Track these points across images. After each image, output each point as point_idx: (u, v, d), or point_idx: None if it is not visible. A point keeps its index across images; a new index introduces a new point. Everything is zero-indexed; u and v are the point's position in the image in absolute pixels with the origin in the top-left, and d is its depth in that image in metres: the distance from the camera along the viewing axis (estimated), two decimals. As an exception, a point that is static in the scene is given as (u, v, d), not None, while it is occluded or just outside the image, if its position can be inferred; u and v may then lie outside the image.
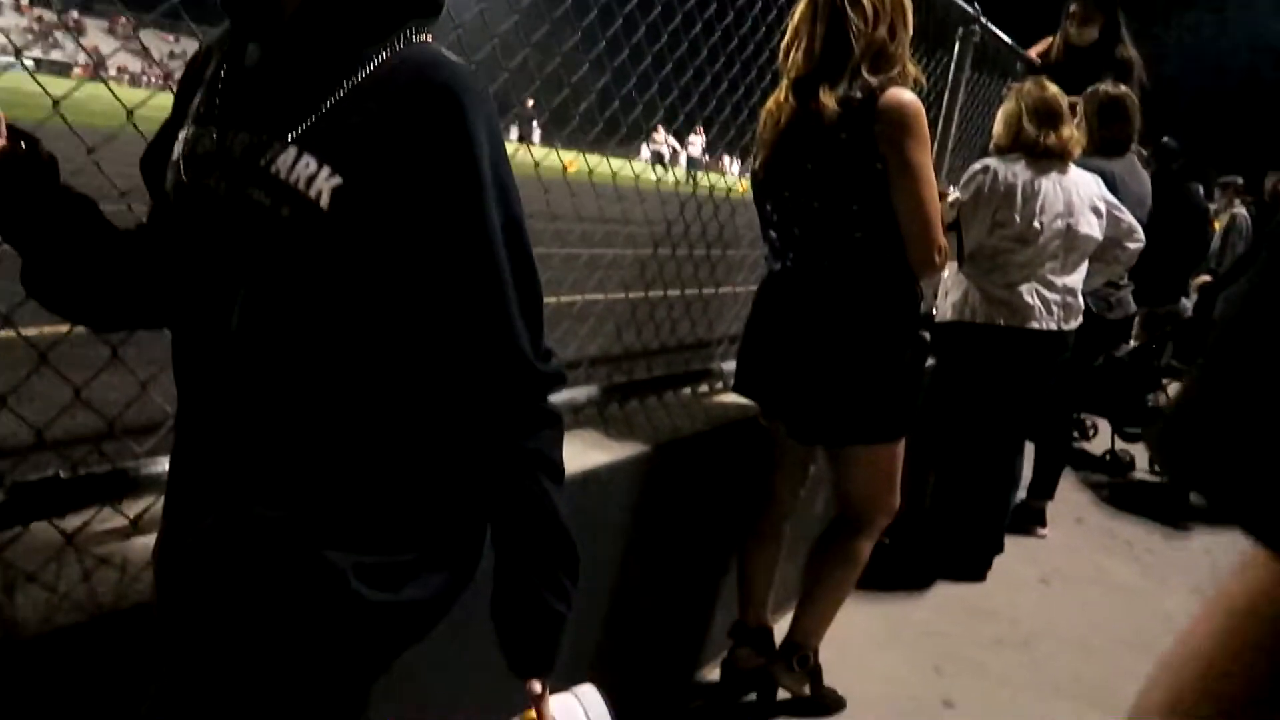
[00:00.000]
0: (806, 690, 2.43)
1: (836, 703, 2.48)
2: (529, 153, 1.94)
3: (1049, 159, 3.04)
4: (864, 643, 2.85)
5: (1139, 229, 3.31)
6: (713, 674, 2.56)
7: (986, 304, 3.10)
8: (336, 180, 0.93)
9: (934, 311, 3.34)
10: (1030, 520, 3.96)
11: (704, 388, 2.70)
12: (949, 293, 3.24)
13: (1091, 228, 3.11)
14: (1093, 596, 3.43)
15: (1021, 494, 3.88)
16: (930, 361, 3.15)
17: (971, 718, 2.54)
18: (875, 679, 2.65)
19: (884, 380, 2.16)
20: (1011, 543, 3.56)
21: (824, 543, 2.39)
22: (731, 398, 2.58)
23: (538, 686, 1.10)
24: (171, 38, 35.57)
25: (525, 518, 1.05)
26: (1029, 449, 3.78)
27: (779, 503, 2.45)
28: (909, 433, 2.28)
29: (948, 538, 3.42)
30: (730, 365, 2.60)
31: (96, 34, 35.13)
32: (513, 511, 1.05)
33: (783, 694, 2.46)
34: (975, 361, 3.17)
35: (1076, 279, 3.14)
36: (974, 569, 3.42)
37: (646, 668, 2.38)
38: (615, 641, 2.18)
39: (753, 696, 2.47)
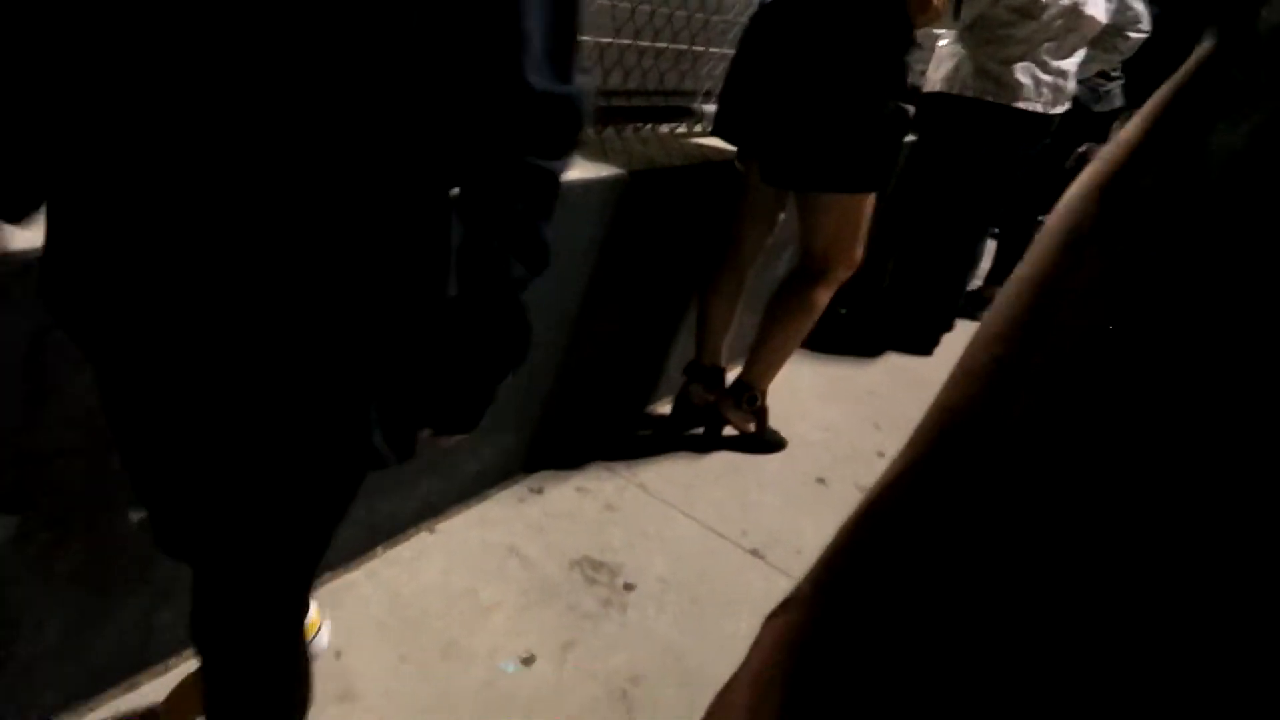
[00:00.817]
0: (751, 427, 2.57)
1: (778, 443, 2.62)
2: None
3: (1066, -73, 2.90)
4: (810, 396, 2.98)
5: (1146, 19, 3.21)
6: (664, 408, 2.68)
7: (977, 78, 3.04)
8: None
9: (920, 86, 3.28)
10: (981, 306, 4.06)
11: (683, 129, 2.66)
12: (941, 64, 3.17)
13: (1098, 10, 3.01)
14: (1030, 380, 3.59)
15: (978, 282, 3.97)
16: (910, 138, 3.12)
17: (901, 466, 2.71)
18: (817, 427, 2.80)
19: (862, 127, 2.15)
20: (961, 325, 3.67)
21: (784, 289, 2.45)
22: (710, 141, 2.56)
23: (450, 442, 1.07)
24: None
25: (483, 300, 0.95)
26: (990, 240, 3.83)
27: (743, 249, 2.48)
28: (879, 189, 2.29)
29: (901, 312, 3.52)
30: (711, 108, 2.55)
31: None
32: (473, 285, 0.94)
33: (729, 430, 2.60)
34: (956, 135, 3.15)
35: (1072, 63, 3.08)
36: (923, 344, 3.53)
37: (602, 397, 2.48)
38: (573, 367, 2.26)
39: (700, 430, 2.60)
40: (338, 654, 1.65)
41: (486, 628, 1.79)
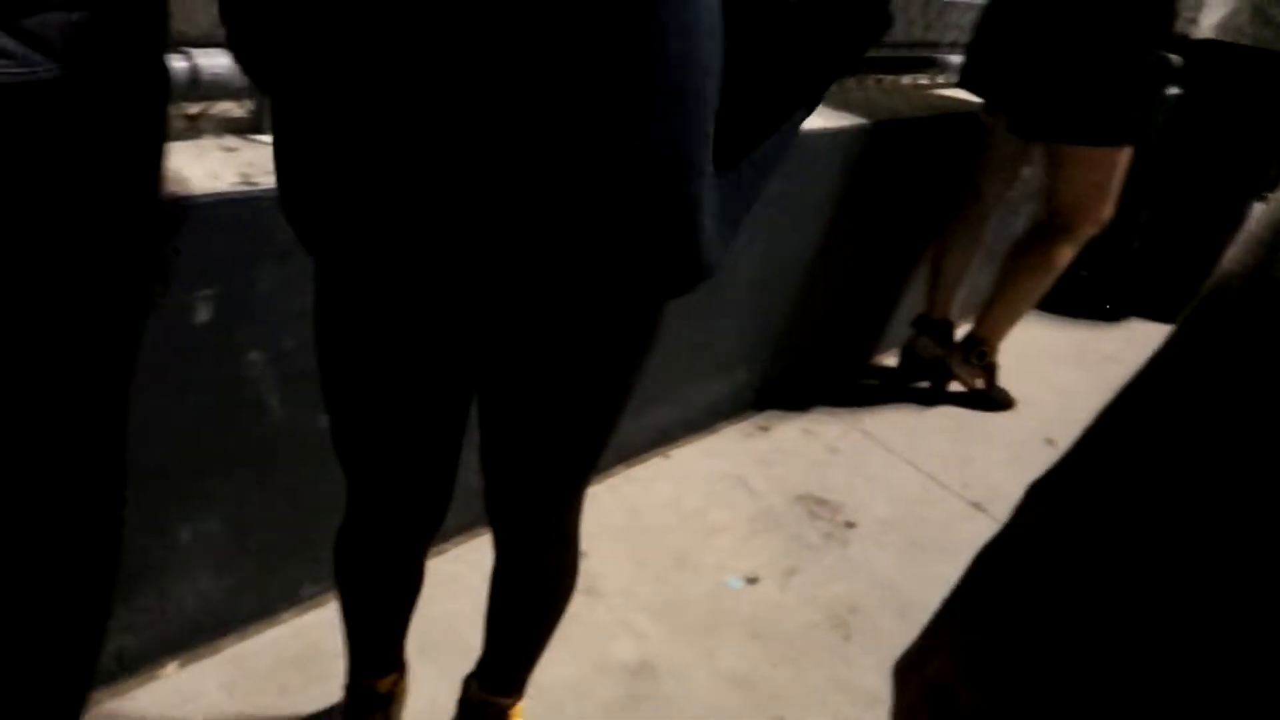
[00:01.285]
0: (980, 383, 2.55)
1: (1006, 401, 2.59)
2: None
3: None
4: (1043, 358, 2.91)
5: None
6: (890, 360, 2.71)
7: (1256, 24, 2.81)
8: None
9: (1189, 33, 3.06)
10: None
11: (925, 80, 2.65)
12: (1213, 8, 2.95)
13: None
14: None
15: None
16: (1174, 90, 2.94)
17: (1140, 433, 2.61)
18: (1048, 389, 2.73)
19: (1121, 76, 2.08)
20: (1219, 293, 3.43)
21: (1024, 244, 2.41)
22: (953, 93, 2.53)
23: None
24: None
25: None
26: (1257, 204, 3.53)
27: (983, 202, 2.45)
28: (1136, 143, 2.20)
29: (1151, 276, 3.33)
30: (956, 59, 2.53)
31: None
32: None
33: (955, 386, 2.59)
34: (1229, 88, 2.93)
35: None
36: (1171, 311, 3.33)
37: (830, 344, 2.54)
38: (804, 313, 2.34)
39: (925, 384, 2.62)
40: (582, 554, 1.83)
41: (714, 546, 1.92)
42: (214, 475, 1.38)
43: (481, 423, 1.09)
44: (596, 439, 1.08)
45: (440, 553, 1.74)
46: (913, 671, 0.54)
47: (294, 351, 1.07)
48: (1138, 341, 3.16)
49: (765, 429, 2.34)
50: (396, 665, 1.37)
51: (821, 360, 2.54)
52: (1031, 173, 2.48)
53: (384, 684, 1.34)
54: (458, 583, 1.68)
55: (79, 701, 1.12)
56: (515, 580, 1.25)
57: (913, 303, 2.67)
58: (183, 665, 1.47)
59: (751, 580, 1.86)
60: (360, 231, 0.87)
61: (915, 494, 2.21)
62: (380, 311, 0.97)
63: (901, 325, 2.69)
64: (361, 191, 0.84)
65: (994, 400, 2.58)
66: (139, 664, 1.43)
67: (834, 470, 2.23)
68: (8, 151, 0.77)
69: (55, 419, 0.92)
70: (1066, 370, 2.89)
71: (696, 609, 1.76)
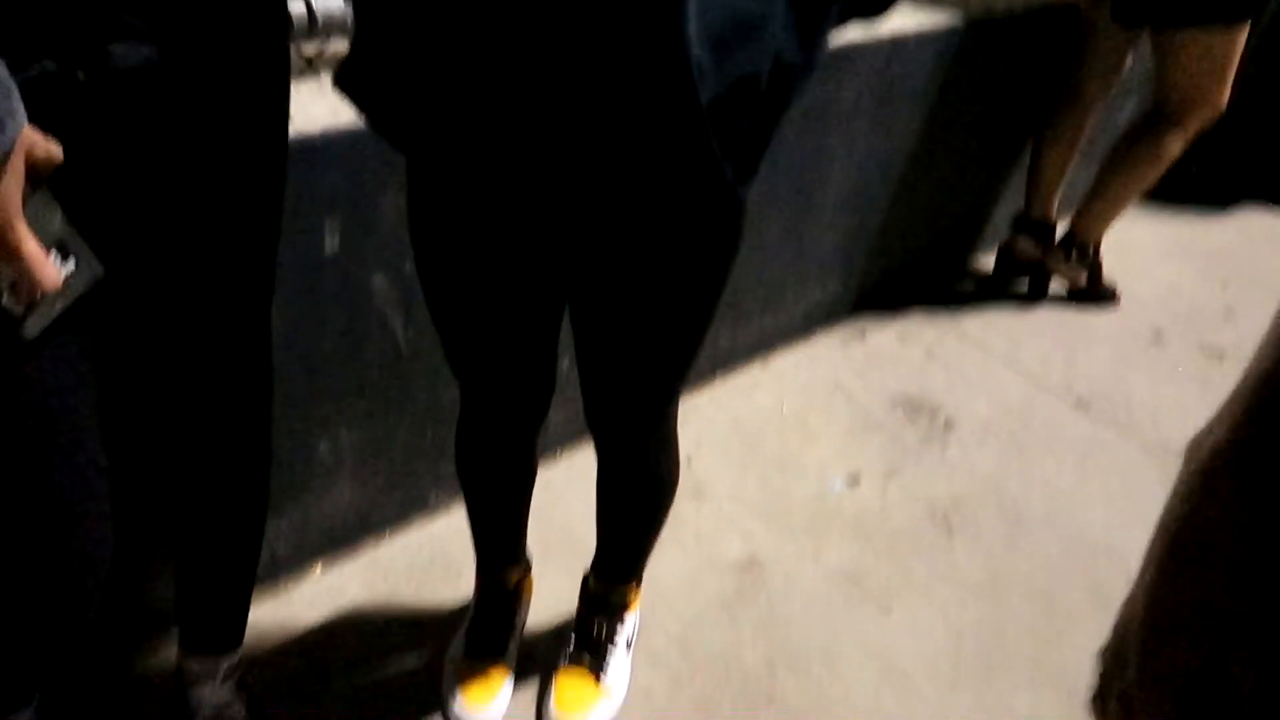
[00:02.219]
0: (1083, 280, 2.51)
1: (1111, 294, 2.54)
2: None
3: None
4: (1148, 253, 2.83)
5: None
6: (987, 262, 2.68)
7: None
8: None
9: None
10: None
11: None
12: None
13: None
14: None
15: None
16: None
17: (1252, 324, 2.54)
18: (1155, 284, 2.67)
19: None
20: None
21: (1131, 134, 2.34)
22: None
23: None
24: None
25: None
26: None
27: (1084, 97, 2.38)
28: (1252, 19, 2.09)
29: (1263, 154, 3.17)
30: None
31: None
32: None
33: (1055, 288, 2.56)
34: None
35: None
36: (1289, 198, 3.19)
37: (926, 247, 2.53)
38: (899, 217, 2.33)
39: (1024, 286, 2.58)
40: (688, 459, 1.90)
41: (815, 450, 1.97)
42: (347, 394, 1.49)
43: (575, 333, 1.14)
44: (687, 342, 1.12)
45: (552, 462, 1.84)
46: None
47: (414, 275, 1.14)
48: (1251, 232, 3.04)
49: (860, 335, 2.36)
50: (521, 560, 1.48)
51: (917, 265, 2.53)
52: (1134, 66, 2.38)
53: (511, 578, 1.46)
54: (570, 490, 1.77)
55: (245, 599, 1.24)
56: (619, 482, 1.33)
57: (1010, 203, 2.62)
58: (326, 568, 1.61)
59: (853, 482, 1.91)
60: (442, 123, 0.92)
61: (1015, 396, 2.21)
62: (464, 208, 1.02)
63: (999, 226, 2.65)
64: (445, 83, 0.89)
65: (1099, 294, 2.53)
66: (290, 567, 1.57)
67: (931, 374, 2.25)
68: (157, 117, 0.85)
69: (216, 338, 1.02)
70: (1173, 264, 2.81)
71: (801, 510, 1.83)
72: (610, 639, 1.44)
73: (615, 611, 1.46)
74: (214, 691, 1.20)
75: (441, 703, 1.40)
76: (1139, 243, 2.86)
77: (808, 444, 1.99)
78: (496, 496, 1.38)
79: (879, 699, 1.48)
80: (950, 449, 2.02)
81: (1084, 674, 1.57)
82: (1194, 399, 2.25)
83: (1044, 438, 2.08)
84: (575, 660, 1.43)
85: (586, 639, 1.44)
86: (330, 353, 1.43)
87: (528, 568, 1.51)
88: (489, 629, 1.44)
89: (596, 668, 1.42)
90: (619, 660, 1.44)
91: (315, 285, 1.36)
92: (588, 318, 1.11)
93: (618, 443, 1.28)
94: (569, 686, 1.42)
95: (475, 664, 1.41)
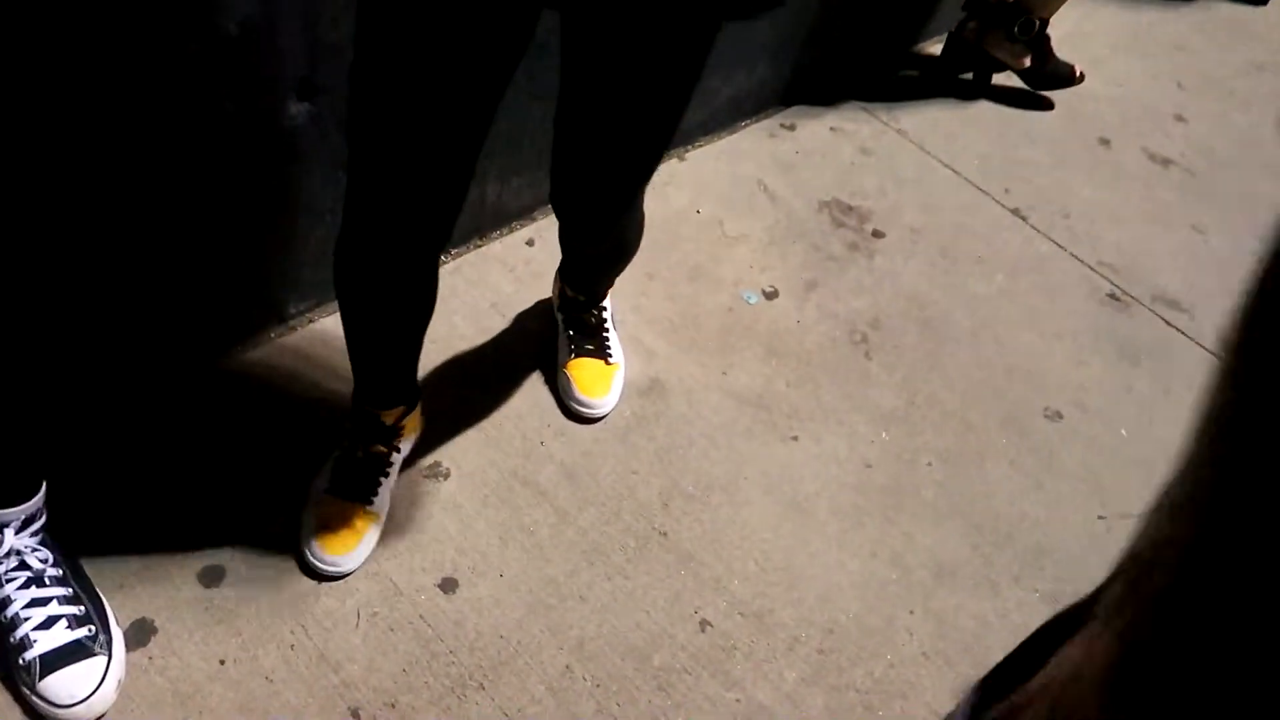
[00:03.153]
0: (1026, 62, 2.29)
1: (1066, 76, 2.30)
2: None
3: None
4: (1102, 46, 2.60)
5: None
6: (934, 48, 2.43)
7: None
8: None
9: None
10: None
11: None
12: None
13: None
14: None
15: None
16: None
17: (1202, 130, 2.39)
18: (1107, 81, 2.46)
19: None
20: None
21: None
22: None
23: None
24: None
25: None
26: None
27: None
28: None
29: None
30: None
31: None
32: None
33: (1003, 81, 2.34)
34: None
35: None
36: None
37: (867, 30, 2.26)
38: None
39: (969, 75, 2.36)
40: (590, 268, 1.72)
41: (732, 258, 1.80)
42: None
43: (561, 102, 1.07)
44: (675, 111, 1.06)
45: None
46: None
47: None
48: (1213, 25, 2.82)
49: (790, 127, 2.13)
50: (407, 399, 1.30)
51: (858, 50, 2.27)
52: None
53: (391, 416, 1.28)
54: (456, 297, 1.58)
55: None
56: (586, 248, 1.36)
57: (964, -18, 2.34)
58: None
59: (770, 295, 1.75)
60: None
61: (951, 200, 2.04)
62: None
63: (950, 9, 2.38)
64: None
65: (1049, 76, 2.31)
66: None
67: (864, 174, 2.06)
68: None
69: None
70: (1129, 60, 2.60)
71: (709, 324, 1.67)
72: (603, 325, 1.53)
73: (598, 302, 1.53)
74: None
75: (298, 539, 1.26)
76: (1095, 34, 2.62)
77: (723, 250, 1.81)
78: (386, 326, 1.18)
79: (777, 534, 1.40)
80: (877, 259, 1.87)
81: (990, 507, 1.49)
82: (1133, 209, 2.12)
83: (975, 248, 1.94)
84: (581, 351, 1.50)
85: (584, 330, 1.51)
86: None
87: (414, 402, 1.32)
88: (357, 470, 1.28)
89: (602, 351, 1.51)
90: (614, 338, 1.55)
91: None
92: (575, 101, 1.06)
93: (590, 220, 1.22)
94: (585, 371, 1.49)
95: (338, 504, 1.26)
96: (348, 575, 1.24)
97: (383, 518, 1.28)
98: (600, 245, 1.34)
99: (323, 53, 1.24)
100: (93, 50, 1.02)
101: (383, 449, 1.28)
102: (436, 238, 1.09)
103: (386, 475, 1.29)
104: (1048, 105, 2.34)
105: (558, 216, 1.23)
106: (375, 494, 1.27)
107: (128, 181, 1.16)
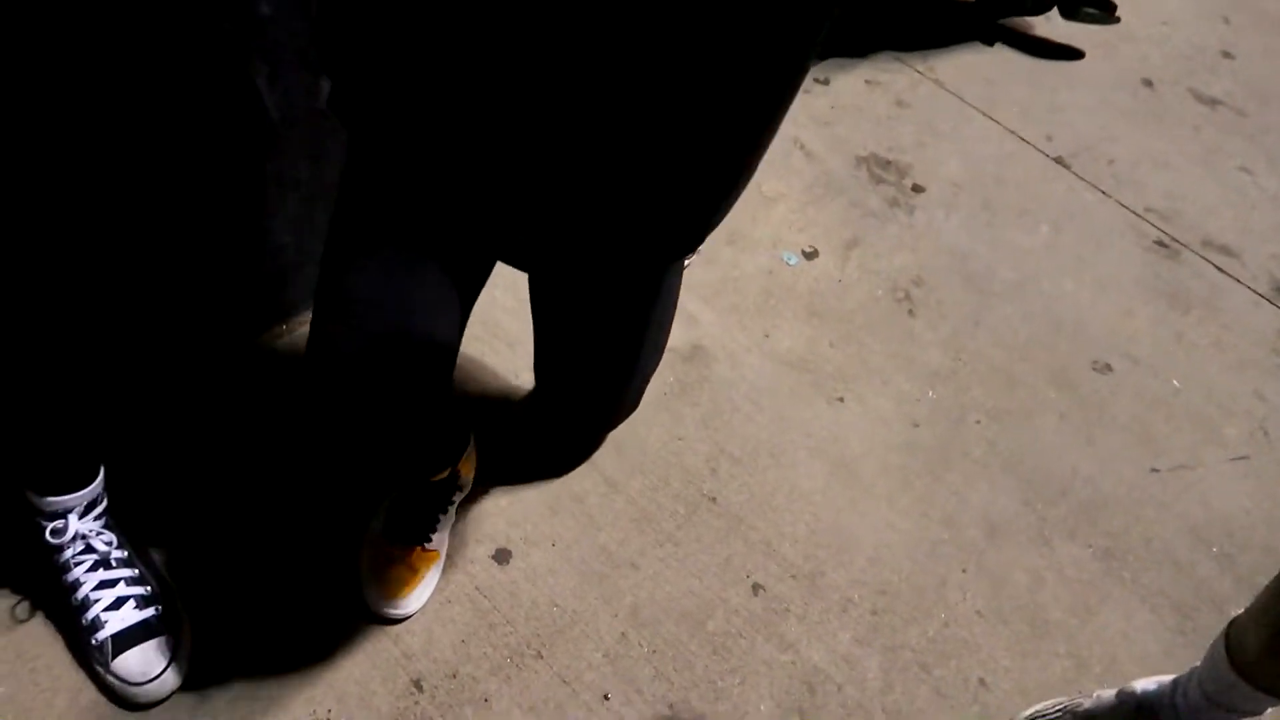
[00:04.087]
0: None
1: (1107, 6, 2.22)
2: None
3: None
4: (1146, -18, 2.53)
5: None
6: (969, -8, 2.37)
7: None
8: None
9: None
10: None
11: None
12: None
13: None
14: None
15: None
16: None
17: (1250, 69, 2.32)
18: (1150, 20, 2.39)
19: None
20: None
21: None
22: None
23: None
24: None
25: None
26: None
27: None
28: None
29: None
30: None
31: None
32: None
33: (1046, 29, 2.28)
34: None
35: None
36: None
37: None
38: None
39: (1009, 24, 2.30)
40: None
41: (769, 219, 1.78)
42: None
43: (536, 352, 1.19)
44: (638, 352, 1.17)
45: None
46: None
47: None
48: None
49: (824, 81, 2.10)
50: (450, 456, 1.20)
51: (891, -3, 2.22)
52: None
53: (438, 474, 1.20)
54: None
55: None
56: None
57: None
58: (223, 363, 1.44)
59: (809, 255, 1.73)
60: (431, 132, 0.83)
61: (991, 150, 2.00)
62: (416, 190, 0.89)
63: (986, -51, 2.32)
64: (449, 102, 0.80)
65: (1093, 12, 2.24)
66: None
67: (901, 126, 2.02)
68: None
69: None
70: (1172, -4, 2.52)
71: (750, 288, 1.66)
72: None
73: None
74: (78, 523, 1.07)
75: (359, 586, 1.21)
76: (1138, -32, 2.54)
77: (760, 211, 1.79)
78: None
79: (827, 496, 1.40)
80: (917, 214, 1.84)
81: (1041, 463, 1.47)
82: (1181, 154, 2.07)
83: (1018, 200, 1.90)
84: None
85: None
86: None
87: (459, 453, 1.20)
88: (412, 513, 1.22)
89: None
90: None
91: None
92: (548, 323, 1.16)
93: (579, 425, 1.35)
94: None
95: (395, 548, 1.20)
96: (409, 618, 1.19)
97: (443, 554, 1.23)
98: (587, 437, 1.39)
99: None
100: (128, 31, 1.02)
101: (433, 500, 1.23)
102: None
103: (445, 513, 1.23)
104: (1077, 54, 2.28)
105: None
106: (434, 531, 1.22)
107: (165, 163, 1.17)
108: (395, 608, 1.18)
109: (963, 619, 1.30)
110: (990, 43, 2.25)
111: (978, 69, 2.19)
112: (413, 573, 1.19)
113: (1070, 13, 2.22)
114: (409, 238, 0.92)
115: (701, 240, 0.97)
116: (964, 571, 1.35)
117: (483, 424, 1.37)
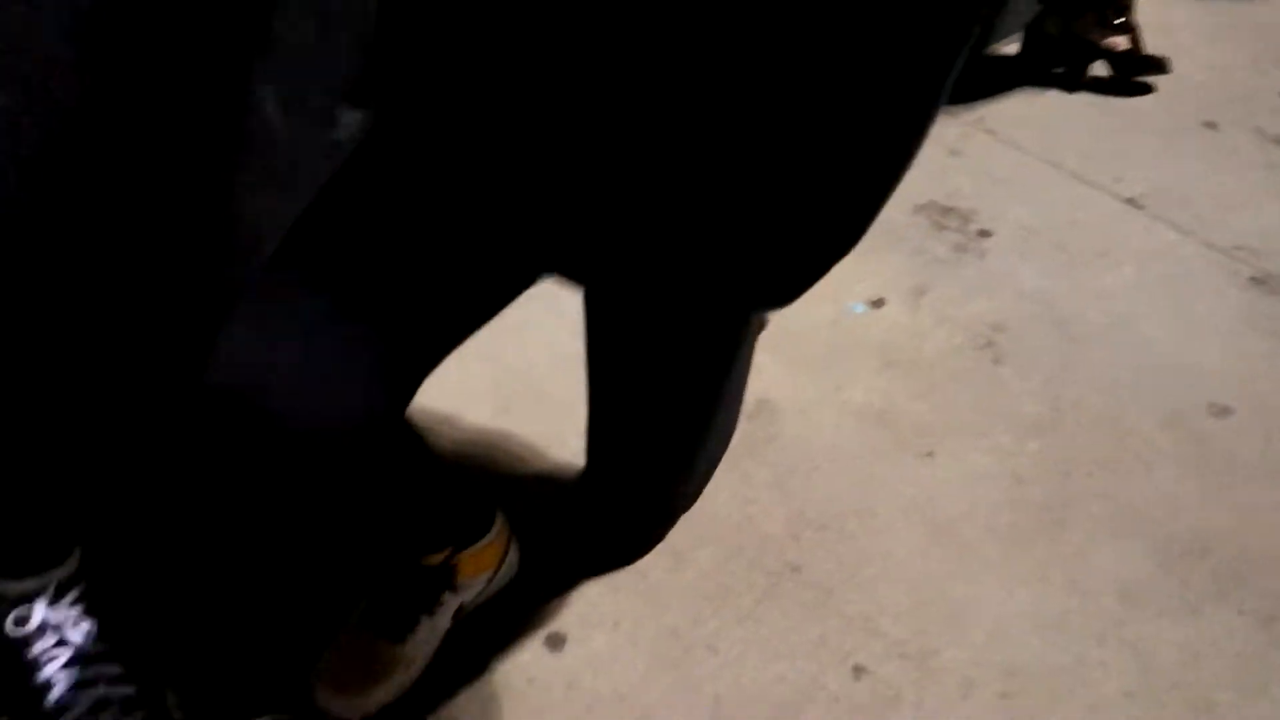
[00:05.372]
0: (1124, 44, 2.12)
1: (1158, 65, 2.14)
2: None
3: None
4: (1189, 33, 2.43)
5: None
6: (1010, 47, 2.28)
7: None
8: None
9: None
10: None
11: None
12: None
13: None
14: None
15: None
16: None
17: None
18: (1200, 66, 2.29)
19: None
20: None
21: None
22: None
23: None
24: None
25: None
26: None
27: None
28: None
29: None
30: None
31: None
32: None
33: (1096, 71, 2.18)
34: None
35: None
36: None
37: None
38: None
39: (1061, 69, 2.19)
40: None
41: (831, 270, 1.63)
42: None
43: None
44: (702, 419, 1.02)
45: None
46: None
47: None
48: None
49: (871, 135, 1.98)
50: (453, 536, 1.02)
51: None
52: None
53: (431, 559, 1.01)
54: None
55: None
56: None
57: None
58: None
59: (876, 303, 1.58)
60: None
61: (1057, 195, 1.87)
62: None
63: (1021, 6, 2.24)
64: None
65: (1146, 63, 2.14)
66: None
67: (957, 175, 1.89)
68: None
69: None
70: (1218, 46, 2.42)
71: (815, 339, 1.50)
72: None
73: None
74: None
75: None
76: (1179, 24, 2.45)
77: (817, 262, 1.64)
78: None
79: (928, 562, 1.20)
80: (988, 260, 1.69)
81: (1169, 518, 1.25)
82: (1257, 189, 1.92)
83: (1095, 242, 1.75)
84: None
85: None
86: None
87: (474, 535, 1.02)
88: (391, 601, 1.00)
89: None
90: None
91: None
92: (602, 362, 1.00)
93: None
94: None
95: (360, 636, 0.99)
96: None
97: (415, 669, 0.99)
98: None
99: None
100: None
101: (423, 585, 1.01)
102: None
103: (430, 615, 1.00)
104: (1147, 89, 2.17)
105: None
106: (411, 633, 0.99)
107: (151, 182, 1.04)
108: (339, 706, 0.95)
109: (1110, 701, 1.08)
110: (1071, 90, 2.15)
111: (1029, 118, 2.08)
112: (371, 669, 0.97)
113: (1131, 68, 2.14)
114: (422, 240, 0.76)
115: (802, 291, 0.83)
116: (1101, 645, 1.13)
117: (524, 507, 1.20)
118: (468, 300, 0.80)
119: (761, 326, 1.18)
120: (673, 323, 0.90)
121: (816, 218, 0.74)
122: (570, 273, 0.86)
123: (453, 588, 1.01)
